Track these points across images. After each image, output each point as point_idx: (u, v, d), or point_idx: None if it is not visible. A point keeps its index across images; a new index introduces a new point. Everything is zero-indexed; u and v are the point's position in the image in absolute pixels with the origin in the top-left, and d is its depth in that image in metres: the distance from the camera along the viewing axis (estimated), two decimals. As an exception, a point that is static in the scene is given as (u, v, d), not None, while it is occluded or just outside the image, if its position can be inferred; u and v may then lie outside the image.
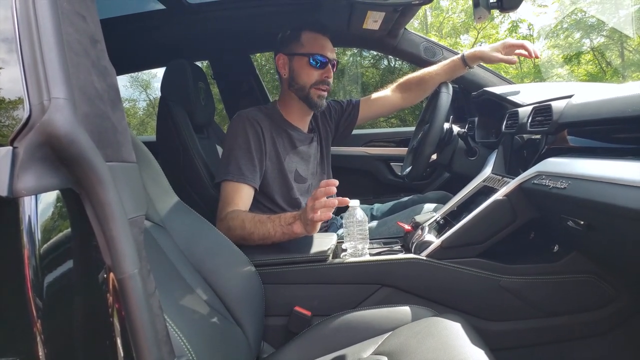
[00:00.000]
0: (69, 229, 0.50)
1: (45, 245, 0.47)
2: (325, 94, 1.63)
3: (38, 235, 0.47)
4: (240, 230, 1.37)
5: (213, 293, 1.06)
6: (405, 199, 1.97)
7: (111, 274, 0.52)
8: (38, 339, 0.45)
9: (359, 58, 12.95)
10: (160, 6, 1.98)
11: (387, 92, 1.91)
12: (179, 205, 1.13)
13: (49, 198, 0.48)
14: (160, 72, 1.80)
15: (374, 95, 1.92)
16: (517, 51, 1.66)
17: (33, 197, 0.46)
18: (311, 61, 1.58)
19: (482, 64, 1.82)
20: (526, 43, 1.65)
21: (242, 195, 1.48)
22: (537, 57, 1.66)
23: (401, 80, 1.90)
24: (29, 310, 0.45)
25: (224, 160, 1.54)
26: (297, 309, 1.26)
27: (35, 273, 0.46)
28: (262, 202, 1.58)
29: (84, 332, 0.52)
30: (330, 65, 1.61)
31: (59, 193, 0.49)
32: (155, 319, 0.55)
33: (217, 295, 1.07)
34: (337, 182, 1.21)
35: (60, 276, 0.49)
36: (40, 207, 0.47)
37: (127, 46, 2.15)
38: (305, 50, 1.59)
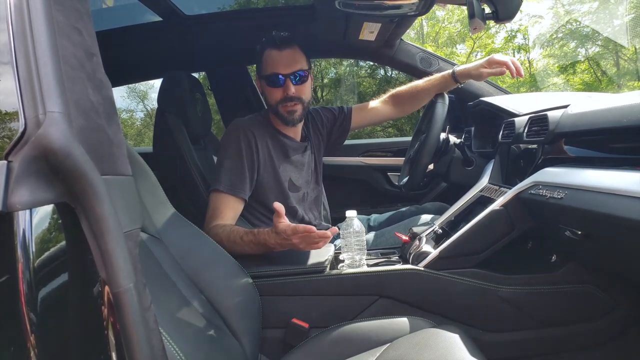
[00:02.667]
0: (64, 243, 0.50)
1: (39, 259, 0.47)
2: (296, 108, 1.58)
3: (32, 249, 0.46)
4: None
5: (209, 305, 1.05)
6: (404, 209, 1.97)
7: (106, 288, 0.51)
8: (32, 353, 0.45)
9: (355, 68, 13.04)
10: (157, 18, 1.99)
11: (379, 102, 1.91)
12: (175, 217, 1.13)
13: (44, 212, 0.48)
14: (157, 82, 1.80)
15: (367, 104, 1.92)
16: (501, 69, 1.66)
17: (27, 211, 0.46)
18: (268, 82, 1.58)
19: None
20: (509, 62, 1.63)
21: (229, 207, 1.49)
22: (520, 75, 1.64)
23: (393, 91, 1.90)
24: (22, 325, 0.45)
25: (217, 169, 1.55)
26: (295, 320, 1.25)
27: (29, 287, 0.46)
28: (259, 211, 1.58)
29: (79, 346, 0.51)
30: (289, 80, 1.56)
31: (54, 207, 0.48)
32: (150, 333, 0.55)
33: (213, 308, 1.06)
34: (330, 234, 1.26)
35: (54, 290, 0.48)
36: (34, 221, 0.47)
37: (124, 58, 2.16)
38: (263, 72, 1.59)
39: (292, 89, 1.56)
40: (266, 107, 1.70)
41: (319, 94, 13.48)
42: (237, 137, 1.54)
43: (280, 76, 1.55)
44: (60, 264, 0.50)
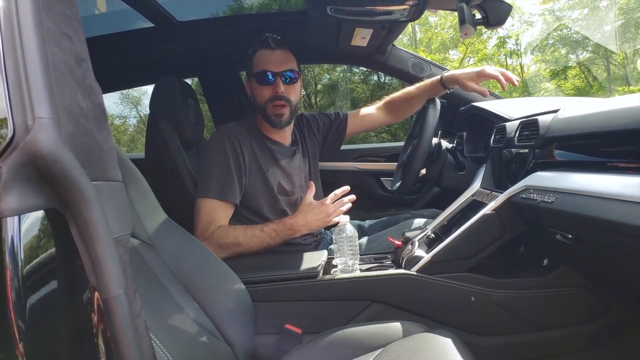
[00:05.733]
0: (53, 249, 0.50)
1: (28, 266, 0.46)
2: (284, 111, 1.58)
3: (21, 256, 0.46)
4: (234, 247, 1.43)
5: (202, 311, 1.05)
6: (399, 217, 1.97)
7: (96, 294, 0.51)
8: (21, 361, 0.45)
9: (349, 74, 13.08)
10: (149, 24, 1.99)
11: (374, 109, 1.93)
12: (167, 223, 1.13)
13: (33, 218, 0.48)
14: (150, 88, 1.80)
15: (362, 111, 1.93)
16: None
17: (16, 217, 0.45)
18: (258, 79, 1.57)
19: None
20: (500, 75, 1.64)
21: (223, 213, 1.50)
22: (514, 84, 1.66)
23: (387, 98, 1.92)
24: (11, 333, 0.44)
25: (203, 176, 1.54)
26: (288, 326, 1.25)
27: (17, 294, 0.45)
28: (247, 217, 1.56)
29: (68, 354, 0.51)
30: (280, 78, 1.56)
31: (43, 213, 0.48)
32: (141, 339, 0.54)
33: (205, 314, 1.06)
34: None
35: (43, 297, 0.48)
36: (23, 227, 0.46)
37: (116, 64, 2.15)
38: (253, 70, 1.59)
39: (282, 88, 1.56)
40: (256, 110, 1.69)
41: (313, 100, 13.51)
42: (223, 144, 1.54)
43: (270, 73, 1.56)
44: (49, 270, 0.49)
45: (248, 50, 1.65)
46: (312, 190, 1.54)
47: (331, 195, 1.50)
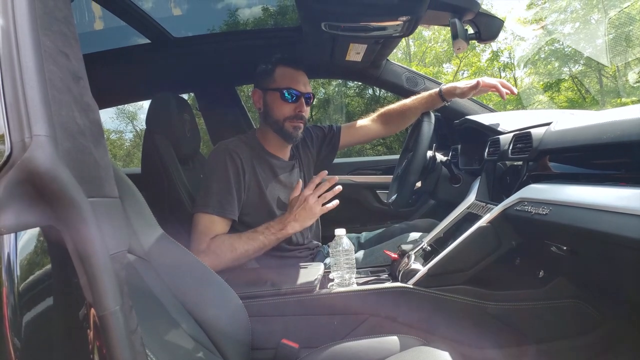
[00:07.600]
0: (49, 266, 0.50)
1: (24, 283, 0.47)
2: (301, 126, 1.64)
3: (17, 273, 0.46)
4: (231, 253, 1.43)
5: (198, 327, 1.04)
6: (395, 226, 1.97)
7: (92, 311, 0.51)
8: (16, 379, 0.44)
9: (344, 88, 13.16)
10: (145, 40, 2.01)
11: (368, 121, 1.95)
12: (163, 238, 1.12)
13: (29, 235, 0.48)
14: (146, 103, 1.81)
15: (356, 123, 1.95)
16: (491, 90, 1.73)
17: (13, 234, 0.46)
18: (283, 96, 1.60)
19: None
20: (499, 85, 1.69)
21: (221, 228, 1.50)
22: (514, 93, 1.70)
23: (382, 110, 1.94)
24: (7, 351, 0.44)
25: (202, 191, 1.54)
26: (285, 341, 1.24)
27: (13, 312, 0.45)
28: (244, 232, 1.57)
29: (64, 371, 0.51)
30: (303, 99, 1.63)
31: (39, 230, 0.48)
32: (137, 356, 0.54)
33: (202, 329, 1.05)
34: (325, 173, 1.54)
35: (39, 314, 0.48)
36: (20, 244, 0.46)
37: (113, 80, 2.16)
38: (277, 85, 1.62)
39: (305, 108, 1.63)
40: (265, 123, 1.69)
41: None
42: (224, 160, 1.55)
43: (297, 93, 1.61)
44: (45, 287, 0.49)
45: (262, 65, 1.69)
46: (297, 189, 1.53)
47: (309, 184, 1.51)
